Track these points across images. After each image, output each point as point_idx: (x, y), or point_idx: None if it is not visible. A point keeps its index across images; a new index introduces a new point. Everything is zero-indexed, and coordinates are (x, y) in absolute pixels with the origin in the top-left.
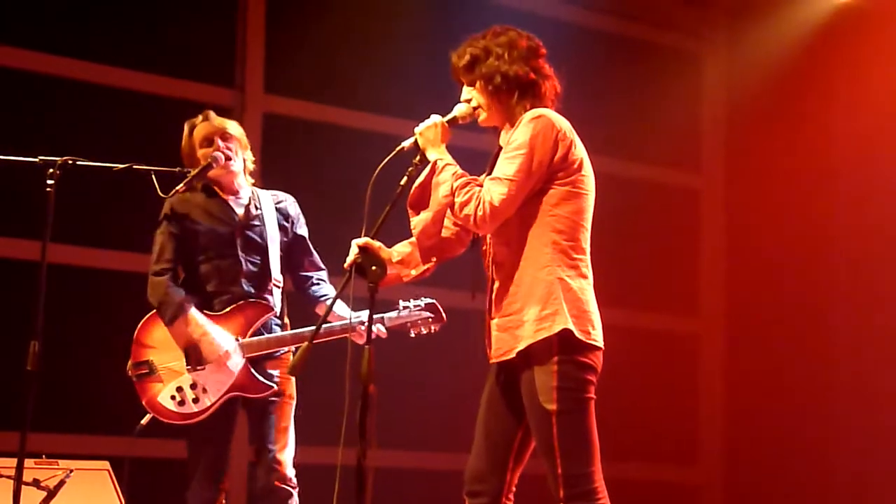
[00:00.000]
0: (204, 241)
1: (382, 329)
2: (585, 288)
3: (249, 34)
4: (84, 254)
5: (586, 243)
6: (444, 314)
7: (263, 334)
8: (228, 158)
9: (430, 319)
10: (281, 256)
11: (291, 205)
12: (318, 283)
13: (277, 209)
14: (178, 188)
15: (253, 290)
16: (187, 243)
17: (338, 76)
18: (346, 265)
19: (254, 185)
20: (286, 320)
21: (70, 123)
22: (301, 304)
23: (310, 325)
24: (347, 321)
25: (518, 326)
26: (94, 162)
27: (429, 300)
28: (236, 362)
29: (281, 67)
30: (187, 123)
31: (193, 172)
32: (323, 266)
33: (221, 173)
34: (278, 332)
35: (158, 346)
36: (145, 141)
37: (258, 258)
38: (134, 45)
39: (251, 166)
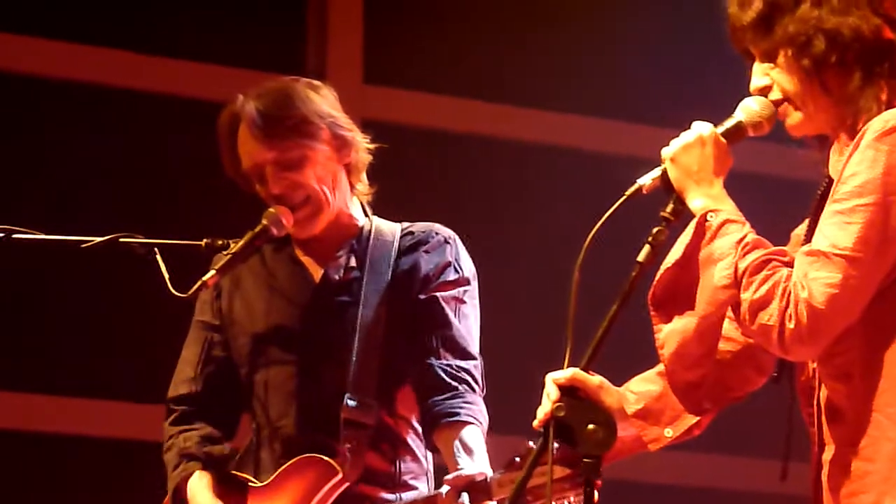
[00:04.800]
0: (253, 336)
1: None
2: None
3: None
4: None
5: None
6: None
7: None
8: (303, 206)
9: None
10: (397, 357)
11: (432, 250)
12: (449, 387)
13: (400, 263)
14: (205, 279)
15: (311, 431)
16: (228, 345)
17: (483, 61)
18: (535, 423)
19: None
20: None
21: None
22: None
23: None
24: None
25: None
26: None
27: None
28: None
29: (388, 45)
30: (221, 119)
31: (234, 247)
32: (470, 353)
33: (302, 233)
34: None
35: None
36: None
37: (333, 365)
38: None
39: (363, 189)
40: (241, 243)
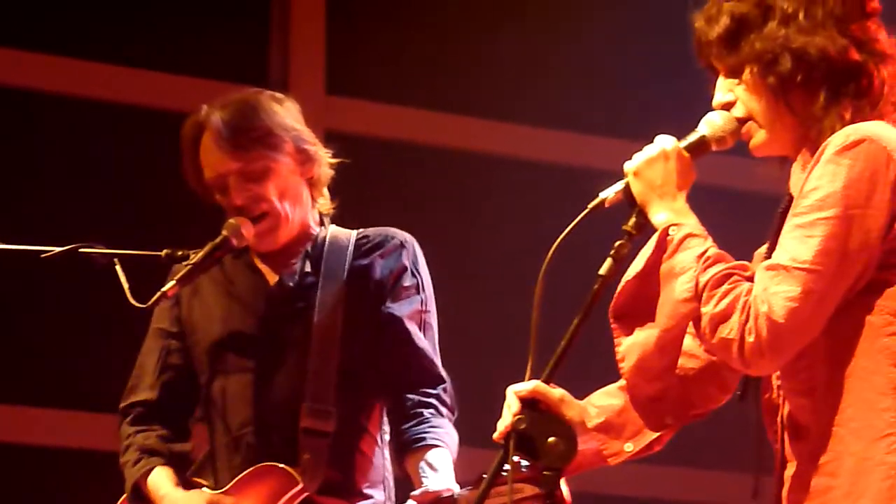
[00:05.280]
0: (211, 343)
1: None
2: None
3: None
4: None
5: None
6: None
7: None
8: (263, 219)
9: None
10: (354, 365)
11: (387, 254)
12: (417, 414)
13: (355, 267)
14: (165, 289)
15: (270, 439)
16: (187, 352)
17: (452, 71)
18: (496, 435)
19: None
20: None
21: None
22: None
23: None
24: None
25: None
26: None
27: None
28: None
29: (353, 55)
30: (184, 129)
31: (194, 257)
32: (439, 376)
33: (262, 245)
34: None
35: None
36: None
37: (290, 372)
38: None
39: (325, 203)
40: (201, 254)
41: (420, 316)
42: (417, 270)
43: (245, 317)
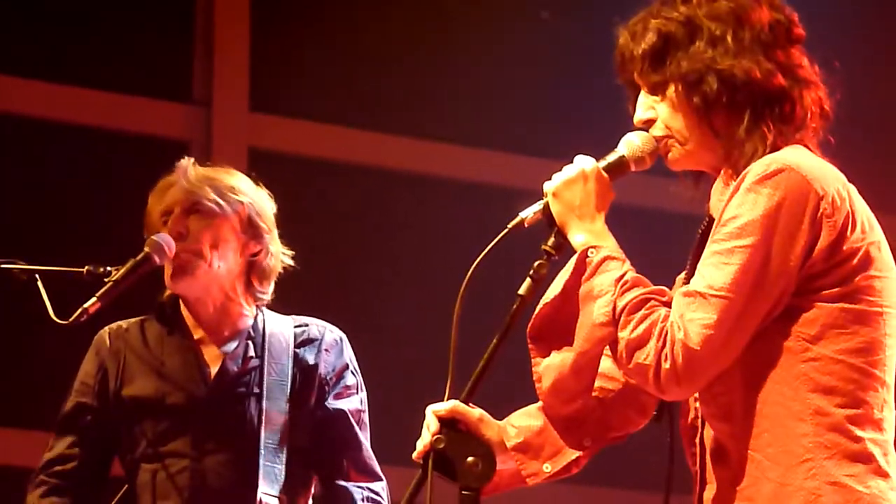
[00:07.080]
0: (141, 424)
1: None
2: (889, 497)
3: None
4: None
5: (890, 409)
6: None
7: None
8: (182, 253)
9: None
10: (296, 451)
11: (330, 349)
12: None
13: (298, 356)
14: (86, 306)
15: None
16: (113, 427)
17: (382, 91)
18: (415, 455)
19: (264, 305)
20: None
21: None
22: None
23: None
24: None
25: None
26: None
27: None
28: None
29: (277, 73)
30: (159, 184)
31: (116, 274)
32: (378, 474)
33: (177, 282)
34: None
35: None
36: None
37: (235, 457)
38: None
39: (264, 293)
40: (122, 271)
41: (359, 415)
42: (356, 369)
43: (182, 399)
